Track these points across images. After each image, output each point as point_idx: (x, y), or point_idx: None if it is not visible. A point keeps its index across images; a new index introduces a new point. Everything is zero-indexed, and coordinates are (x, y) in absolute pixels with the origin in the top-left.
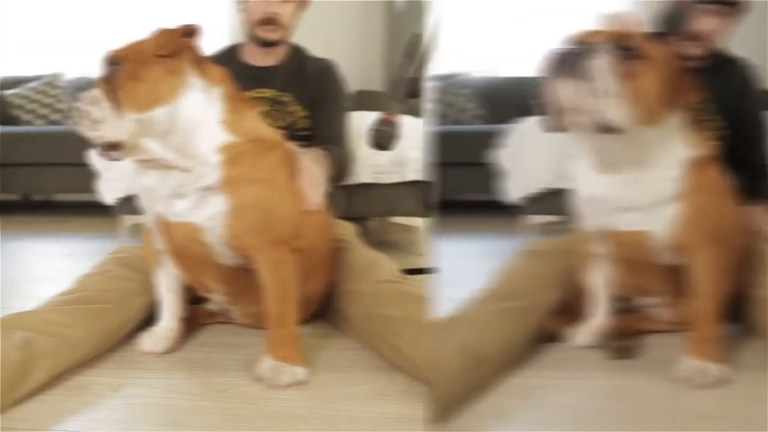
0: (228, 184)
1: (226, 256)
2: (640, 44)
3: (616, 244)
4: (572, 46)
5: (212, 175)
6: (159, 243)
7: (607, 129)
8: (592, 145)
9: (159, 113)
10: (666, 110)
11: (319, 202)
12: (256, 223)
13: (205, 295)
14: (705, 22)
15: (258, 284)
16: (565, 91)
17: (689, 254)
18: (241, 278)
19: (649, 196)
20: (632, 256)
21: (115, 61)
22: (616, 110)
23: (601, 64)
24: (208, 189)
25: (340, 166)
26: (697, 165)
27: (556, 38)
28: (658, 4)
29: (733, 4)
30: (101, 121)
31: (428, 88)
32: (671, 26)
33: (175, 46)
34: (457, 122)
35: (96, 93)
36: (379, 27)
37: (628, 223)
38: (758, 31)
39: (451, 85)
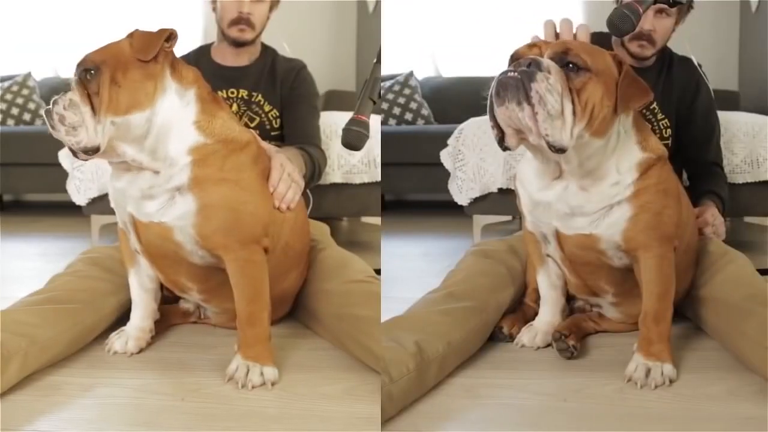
0: (196, 185)
1: (198, 256)
2: (580, 57)
3: (564, 246)
4: (514, 69)
5: (181, 176)
6: (132, 243)
7: (556, 149)
8: (541, 158)
9: (137, 117)
10: (614, 118)
11: (294, 201)
12: (225, 222)
13: (180, 294)
14: (653, 23)
15: (227, 281)
16: (511, 116)
17: (637, 255)
18: (216, 276)
19: (598, 202)
20: (581, 257)
21: (91, 65)
22: (562, 131)
23: (544, 87)
24: (178, 189)
25: (314, 165)
26: (646, 167)
27: (502, 38)
28: (606, 4)
29: (679, 5)
30: (78, 125)
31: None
32: (620, 27)
33: (157, 51)
34: (403, 122)
35: (72, 97)
36: (350, 27)
37: (576, 227)
38: (715, 32)
39: (397, 84)
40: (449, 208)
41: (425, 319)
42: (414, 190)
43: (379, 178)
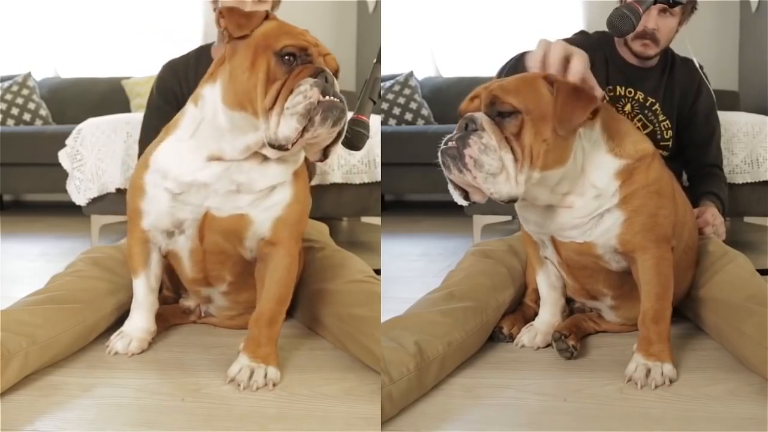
0: (292, 182)
1: (248, 251)
2: (506, 102)
3: (561, 251)
4: (453, 137)
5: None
6: (180, 243)
7: (507, 202)
8: None
9: None
10: (568, 142)
11: None
12: (294, 219)
13: (198, 289)
14: (657, 22)
15: (251, 273)
16: (459, 181)
17: (635, 257)
18: (247, 268)
19: (585, 216)
20: (578, 262)
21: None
22: (506, 184)
23: (477, 149)
24: (275, 186)
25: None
26: (627, 173)
27: (502, 38)
28: (606, 4)
29: (680, 4)
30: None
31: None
32: (620, 27)
33: None
34: (403, 122)
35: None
36: (350, 27)
37: (570, 236)
38: (715, 32)
39: (397, 84)
40: (449, 208)
41: (425, 320)
42: (414, 190)
43: (379, 178)
